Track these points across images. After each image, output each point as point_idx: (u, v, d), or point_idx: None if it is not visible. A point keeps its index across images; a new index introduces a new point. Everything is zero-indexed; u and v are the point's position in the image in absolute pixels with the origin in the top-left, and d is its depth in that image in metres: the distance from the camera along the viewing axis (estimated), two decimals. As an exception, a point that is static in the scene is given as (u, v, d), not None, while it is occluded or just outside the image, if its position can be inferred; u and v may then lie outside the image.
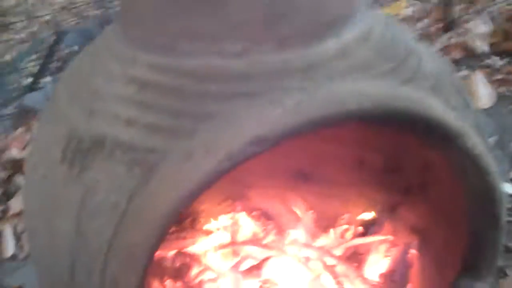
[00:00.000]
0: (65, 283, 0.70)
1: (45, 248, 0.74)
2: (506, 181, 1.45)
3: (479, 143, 0.72)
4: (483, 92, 1.84)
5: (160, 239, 0.64)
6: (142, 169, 0.66)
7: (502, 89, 1.91)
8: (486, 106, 1.80)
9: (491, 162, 0.72)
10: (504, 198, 0.76)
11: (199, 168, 0.62)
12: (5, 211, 1.60)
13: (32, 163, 0.79)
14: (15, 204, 1.59)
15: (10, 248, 1.47)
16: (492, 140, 1.58)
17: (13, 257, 1.45)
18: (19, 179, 1.71)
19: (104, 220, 0.66)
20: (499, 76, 1.98)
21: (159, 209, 0.63)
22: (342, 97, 0.65)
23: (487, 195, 0.73)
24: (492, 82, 1.92)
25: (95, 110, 0.71)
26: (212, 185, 0.63)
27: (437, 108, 0.69)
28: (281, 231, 1.03)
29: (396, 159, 0.93)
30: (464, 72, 1.98)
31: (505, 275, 1.24)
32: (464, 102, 0.79)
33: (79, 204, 0.68)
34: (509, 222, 1.37)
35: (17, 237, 1.50)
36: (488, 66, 2.05)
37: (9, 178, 1.74)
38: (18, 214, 1.55)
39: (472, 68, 2.03)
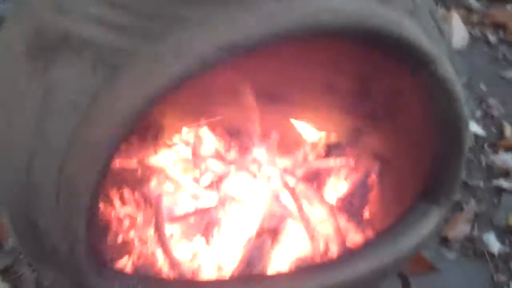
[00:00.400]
0: (21, 183, 0.69)
1: (2, 146, 0.72)
2: (472, 120, 1.47)
3: (450, 71, 0.71)
4: (457, 32, 1.83)
5: (121, 139, 0.63)
6: (108, 69, 0.64)
7: (476, 32, 1.91)
8: (458, 47, 1.80)
9: (460, 89, 0.72)
10: (469, 127, 0.76)
11: (167, 70, 0.61)
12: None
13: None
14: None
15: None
16: (462, 80, 1.59)
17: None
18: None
19: (65, 118, 0.65)
20: (475, 19, 1.98)
21: (122, 108, 0.61)
22: (317, 10, 0.63)
23: (454, 122, 0.74)
24: (467, 23, 1.92)
25: (65, 7, 0.68)
26: (178, 89, 0.62)
27: (414, 31, 0.68)
28: (243, 149, 1.02)
29: (365, 83, 0.92)
30: (440, 10, 1.97)
31: (462, 209, 1.27)
32: (439, 32, 0.78)
33: (41, 100, 0.66)
34: (470, 161, 1.40)
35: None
36: (465, 7, 2.04)
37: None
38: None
39: (448, 6, 2.02)
